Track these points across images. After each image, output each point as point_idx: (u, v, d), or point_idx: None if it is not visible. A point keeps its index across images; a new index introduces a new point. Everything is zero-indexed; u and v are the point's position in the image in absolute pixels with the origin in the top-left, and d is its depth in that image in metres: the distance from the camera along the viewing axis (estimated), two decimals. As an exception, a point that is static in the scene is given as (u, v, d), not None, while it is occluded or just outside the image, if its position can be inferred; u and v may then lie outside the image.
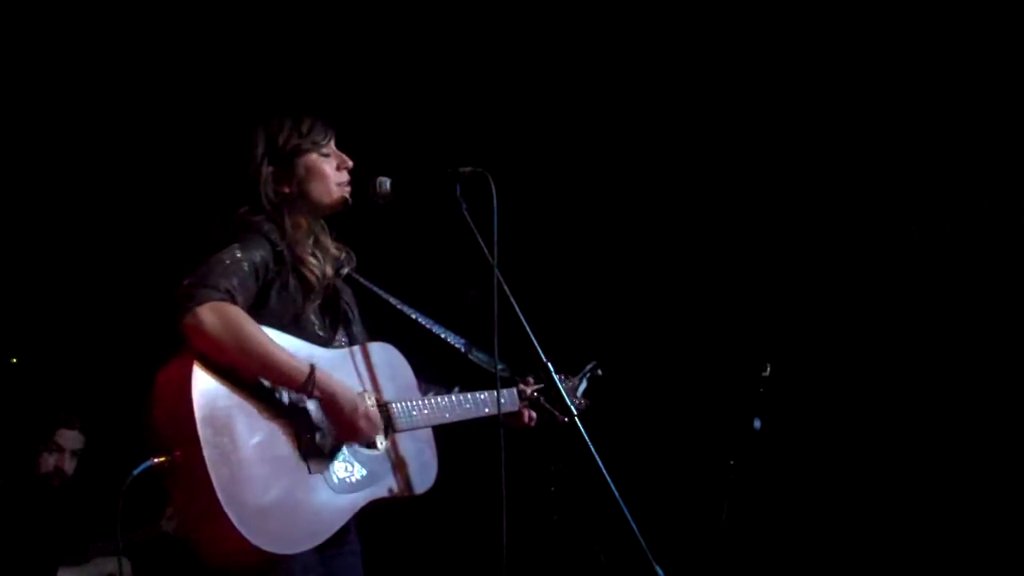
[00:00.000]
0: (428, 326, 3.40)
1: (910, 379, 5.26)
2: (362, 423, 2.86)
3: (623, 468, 2.96)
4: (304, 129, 3.05)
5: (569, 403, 2.97)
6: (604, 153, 5.71)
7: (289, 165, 3.02)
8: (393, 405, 3.04)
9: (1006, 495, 5.04)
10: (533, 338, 2.97)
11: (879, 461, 5.26)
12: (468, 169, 3.00)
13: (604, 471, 2.80)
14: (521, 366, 3.34)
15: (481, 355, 3.43)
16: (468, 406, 3.22)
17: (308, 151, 3.04)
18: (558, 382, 3.03)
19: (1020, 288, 5.11)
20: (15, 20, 4.97)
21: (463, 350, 3.42)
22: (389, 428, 3.01)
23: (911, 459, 5.21)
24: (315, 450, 2.82)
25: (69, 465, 4.95)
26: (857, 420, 5.31)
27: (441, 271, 4.88)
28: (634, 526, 2.77)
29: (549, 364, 3.05)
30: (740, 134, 5.56)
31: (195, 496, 2.64)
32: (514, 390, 3.42)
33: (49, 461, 4.90)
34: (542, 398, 3.41)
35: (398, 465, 3.00)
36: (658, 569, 2.78)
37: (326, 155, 3.07)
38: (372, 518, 2.99)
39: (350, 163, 3.12)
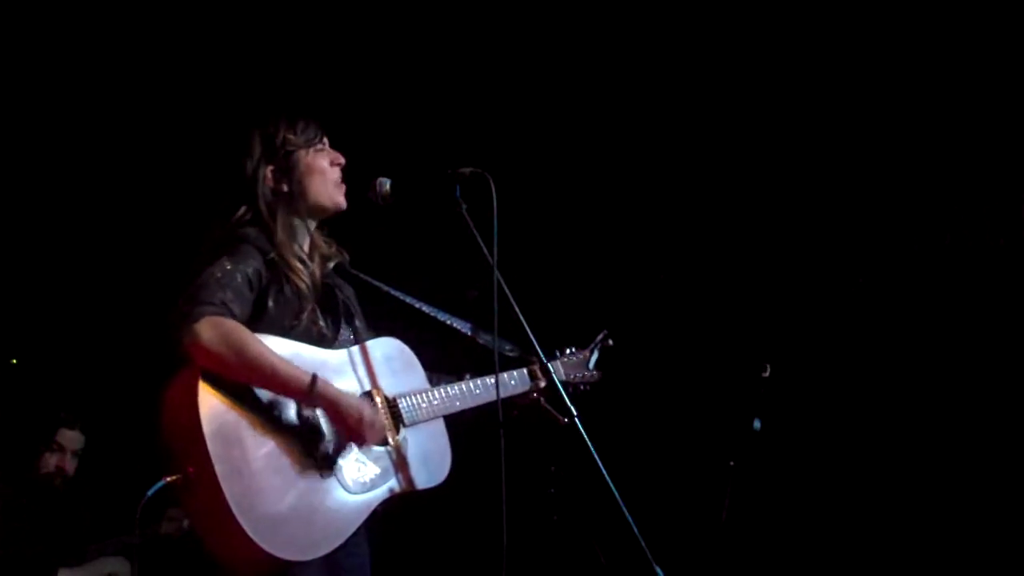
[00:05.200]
0: (432, 313, 3.38)
1: (909, 381, 5.26)
2: (366, 429, 2.85)
3: (623, 469, 2.96)
4: (299, 128, 3.06)
5: (569, 404, 2.95)
6: (604, 153, 5.72)
7: (287, 162, 3.02)
8: (400, 400, 3.04)
9: (1006, 495, 5.05)
10: (533, 339, 2.96)
11: (878, 462, 5.26)
12: (468, 170, 2.99)
13: (604, 472, 2.80)
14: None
15: (488, 337, 3.32)
16: (479, 392, 3.20)
17: (305, 149, 3.05)
18: (558, 383, 3.03)
19: (1019, 293, 5.11)
20: (15, 19, 4.97)
21: (469, 333, 3.40)
22: (399, 423, 3.01)
23: (910, 460, 5.22)
24: (325, 454, 2.83)
25: (70, 465, 4.96)
26: (856, 421, 5.31)
27: (441, 272, 4.88)
28: (634, 526, 2.77)
29: (549, 365, 3.05)
30: (741, 137, 5.56)
31: (211, 511, 2.66)
32: (524, 371, 3.38)
33: (51, 461, 4.91)
34: (542, 399, 3.39)
35: (410, 459, 3.00)
36: (658, 569, 2.78)
37: (321, 151, 3.08)
38: (372, 517, 2.98)
39: (342, 160, 3.12)
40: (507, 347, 3.36)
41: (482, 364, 3.27)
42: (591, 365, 3.59)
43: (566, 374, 3.55)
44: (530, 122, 5.61)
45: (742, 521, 4.73)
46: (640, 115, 5.62)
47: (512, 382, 3.33)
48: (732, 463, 4.65)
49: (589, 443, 2.86)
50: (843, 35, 5.20)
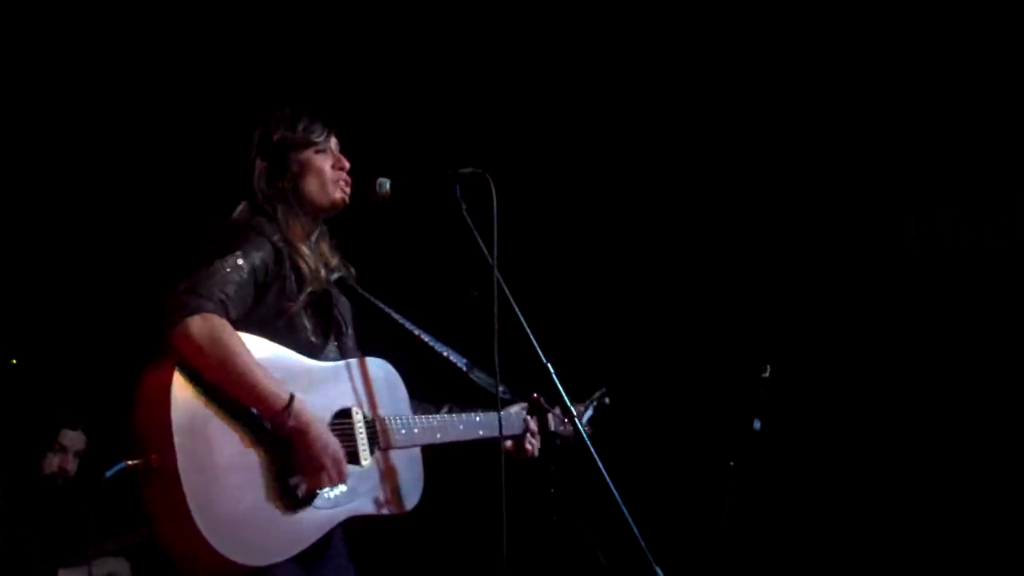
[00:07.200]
0: (430, 343, 3.30)
1: (909, 380, 5.26)
2: (327, 462, 2.75)
3: (623, 469, 2.96)
4: (300, 126, 3.02)
5: (570, 405, 2.95)
6: (604, 154, 5.72)
7: (282, 160, 2.99)
8: (379, 422, 2.98)
9: (1006, 495, 5.05)
10: (533, 339, 2.95)
11: (878, 462, 5.27)
12: (468, 170, 2.98)
13: (604, 472, 2.80)
14: (524, 375, 3.26)
15: (482, 375, 3.28)
16: (461, 427, 3.14)
17: (302, 147, 3.01)
18: (558, 383, 3.02)
19: (1019, 289, 5.11)
20: (13, 18, 4.97)
21: (464, 369, 3.30)
22: (375, 445, 2.95)
23: (910, 459, 5.22)
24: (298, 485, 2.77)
25: (72, 465, 4.96)
26: (856, 421, 5.32)
27: (441, 273, 4.88)
28: (634, 526, 2.77)
29: (549, 365, 3.04)
30: (739, 136, 5.56)
31: (167, 502, 2.60)
32: (520, 410, 3.31)
33: (53, 462, 4.91)
34: (543, 399, 3.38)
35: (382, 482, 2.93)
36: (658, 570, 2.78)
37: (321, 152, 3.03)
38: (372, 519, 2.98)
39: (347, 164, 3.07)
40: (501, 388, 3.30)
41: (472, 401, 3.21)
42: (585, 420, 3.44)
43: (555, 426, 3.42)
44: (530, 122, 5.62)
45: (742, 521, 4.73)
46: (640, 115, 5.62)
47: (507, 422, 3.21)
48: (732, 463, 4.64)
49: (589, 443, 2.85)
50: (842, 31, 5.21)
